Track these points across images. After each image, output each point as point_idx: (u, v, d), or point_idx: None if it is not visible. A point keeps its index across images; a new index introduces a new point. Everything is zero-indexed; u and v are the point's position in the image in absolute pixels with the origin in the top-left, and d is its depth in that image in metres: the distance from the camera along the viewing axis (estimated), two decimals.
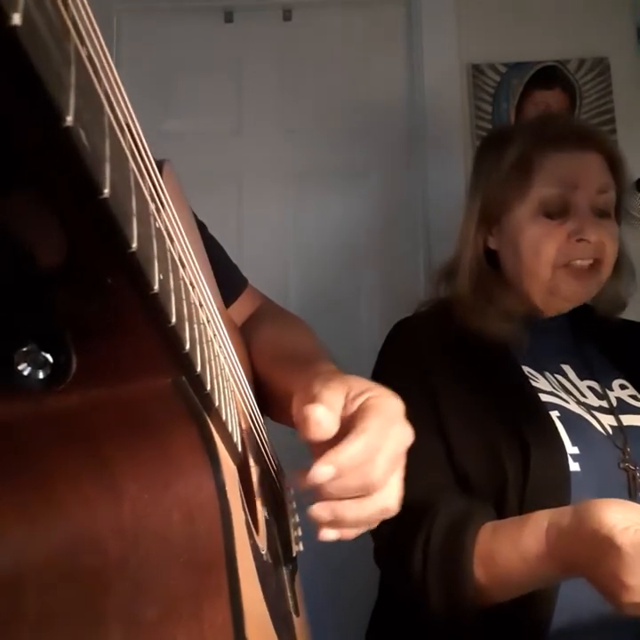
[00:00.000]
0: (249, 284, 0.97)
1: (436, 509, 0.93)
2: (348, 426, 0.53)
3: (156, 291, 0.25)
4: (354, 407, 0.54)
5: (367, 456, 0.51)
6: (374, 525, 0.57)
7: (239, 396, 0.57)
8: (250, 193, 1.97)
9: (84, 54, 0.21)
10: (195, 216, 0.85)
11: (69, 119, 0.18)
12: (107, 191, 0.21)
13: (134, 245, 0.23)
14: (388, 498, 0.55)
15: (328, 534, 0.54)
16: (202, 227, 0.89)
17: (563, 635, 0.90)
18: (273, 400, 0.76)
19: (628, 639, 0.91)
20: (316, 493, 0.53)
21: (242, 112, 2.01)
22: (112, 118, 0.23)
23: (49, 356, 0.29)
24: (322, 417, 0.51)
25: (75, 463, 0.33)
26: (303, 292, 1.91)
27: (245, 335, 0.84)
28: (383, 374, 1.13)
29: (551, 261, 1.07)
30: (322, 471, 0.50)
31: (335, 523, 0.54)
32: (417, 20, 1.97)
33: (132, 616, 0.33)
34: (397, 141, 1.98)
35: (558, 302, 1.12)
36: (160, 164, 0.48)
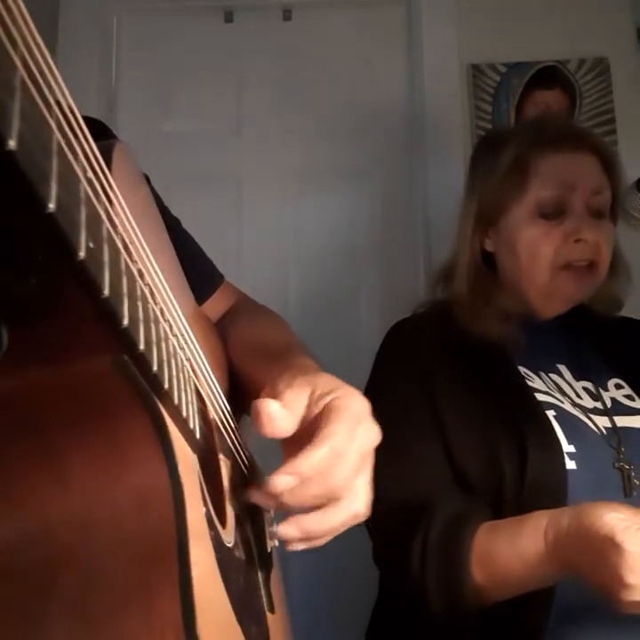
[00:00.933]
0: (225, 280, 0.96)
1: (434, 509, 0.93)
2: (312, 428, 0.52)
3: (82, 257, 0.24)
4: (318, 408, 0.53)
5: (332, 462, 0.50)
6: (342, 530, 0.56)
7: (206, 390, 0.56)
8: (250, 193, 1.96)
9: None
10: (167, 212, 0.84)
11: None
12: (12, 143, 0.20)
13: (51, 206, 0.22)
14: (355, 503, 0.53)
15: (297, 546, 0.54)
16: (175, 223, 0.88)
17: (560, 633, 0.90)
18: (248, 395, 0.75)
19: (624, 636, 0.90)
20: (280, 509, 0.52)
21: (242, 112, 2.01)
22: (26, 78, 0.22)
23: None
24: (274, 412, 0.51)
25: (18, 449, 0.32)
26: (303, 291, 1.90)
27: (221, 331, 0.83)
28: (382, 374, 1.13)
29: (549, 263, 1.07)
30: (281, 481, 0.49)
31: (305, 538, 0.53)
32: (417, 19, 1.97)
33: (81, 608, 0.32)
34: (397, 141, 1.97)
35: (556, 304, 1.12)
36: (109, 148, 0.46)
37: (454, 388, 1.04)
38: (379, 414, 0.57)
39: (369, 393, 0.61)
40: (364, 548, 1.03)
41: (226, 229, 1.90)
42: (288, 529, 0.52)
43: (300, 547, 0.54)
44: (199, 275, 0.76)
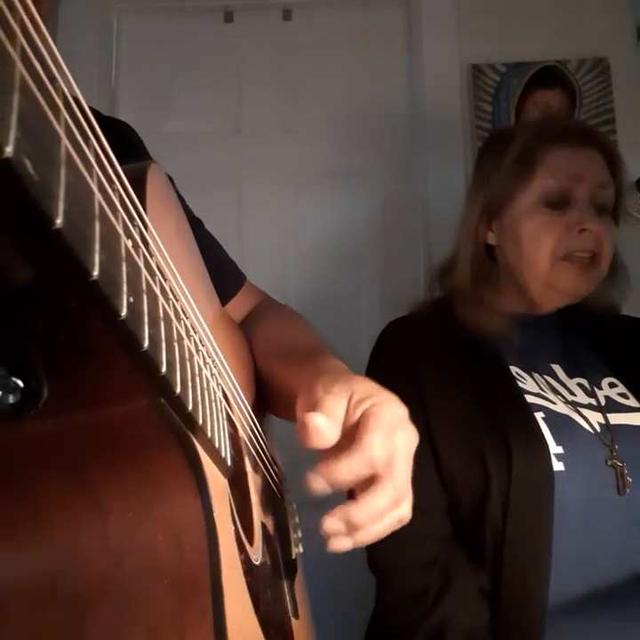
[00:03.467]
0: (247, 280, 0.96)
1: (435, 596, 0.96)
2: (350, 434, 0.52)
3: (123, 317, 0.25)
4: (357, 414, 0.53)
5: (368, 471, 0.51)
6: None
7: (233, 401, 0.57)
8: (249, 193, 1.96)
9: (30, 80, 0.20)
10: (191, 213, 0.85)
11: (9, 150, 0.18)
12: (59, 222, 0.20)
13: (96, 273, 0.22)
14: (402, 508, 0.55)
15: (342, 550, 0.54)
16: (198, 224, 0.88)
17: (559, 616, 0.92)
18: (276, 396, 0.75)
19: (622, 614, 0.93)
20: (352, 529, 0.52)
21: (242, 112, 2.00)
22: (69, 145, 0.22)
23: (19, 382, 0.29)
24: (321, 425, 0.51)
25: (56, 485, 0.33)
26: (303, 291, 1.90)
27: (246, 332, 0.84)
28: (375, 375, 1.13)
29: (550, 252, 1.07)
30: (318, 484, 0.50)
31: (357, 546, 0.54)
32: (417, 20, 1.97)
33: (115, 639, 0.33)
34: (397, 141, 1.97)
35: (556, 296, 1.12)
36: (143, 170, 0.47)
37: (445, 391, 1.05)
38: None
39: None
40: (364, 549, 1.04)
41: (226, 229, 1.89)
42: (342, 544, 0.53)
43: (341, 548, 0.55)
44: (222, 275, 0.76)
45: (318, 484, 0.51)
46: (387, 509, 0.52)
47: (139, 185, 0.45)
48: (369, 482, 0.52)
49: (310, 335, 0.83)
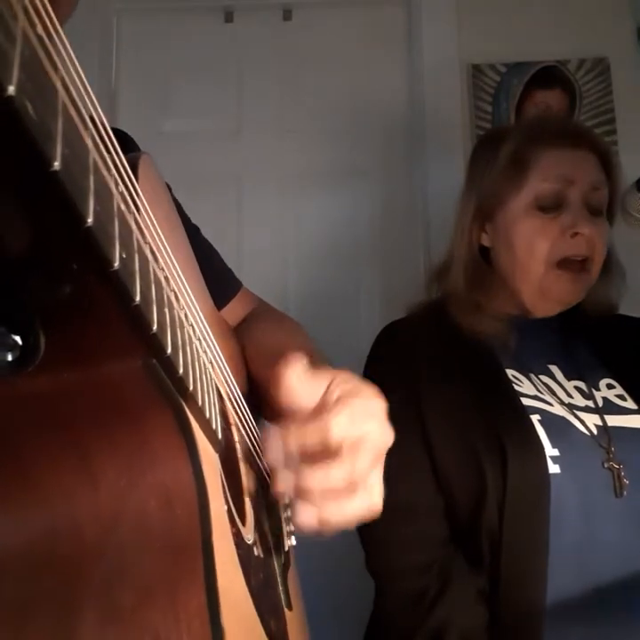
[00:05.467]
0: (243, 286, 0.97)
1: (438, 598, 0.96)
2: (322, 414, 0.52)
3: (116, 267, 0.25)
4: (333, 397, 0.53)
5: (318, 443, 0.51)
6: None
7: (226, 392, 0.57)
8: (249, 193, 1.97)
9: (33, 37, 0.21)
10: (188, 220, 0.85)
11: (11, 88, 0.18)
12: (57, 164, 0.21)
13: (90, 220, 0.23)
14: (372, 495, 0.54)
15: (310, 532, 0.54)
16: (195, 230, 0.88)
17: (557, 619, 0.91)
18: (266, 400, 0.75)
19: (622, 616, 0.93)
20: (301, 493, 0.52)
21: (242, 112, 2.01)
22: (67, 100, 0.23)
23: (18, 339, 0.29)
24: (300, 375, 0.51)
25: (50, 447, 0.33)
26: (302, 291, 1.91)
27: (239, 336, 0.84)
28: (371, 378, 1.13)
29: (545, 257, 1.07)
30: (271, 442, 0.51)
31: (322, 527, 0.53)
32: (417, 20, 1.97)
33: (109, 602, 0.33)
34: (397, 141, 1.98)
35: (547, 304, 1.12)
36: (135, 160, 0.48)
37: (442, 391, 1.05)
38: None
39: None
40: (363, 552, 1.05)
41: (226, 229, 1.91)
42: (306, 517, 0.52)
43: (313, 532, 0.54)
44: (218, 281, 0.77)
45: (271, 441, 0.51)
46: (340, 490, 0.51)
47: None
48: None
49: (303, 341, 0.83)
